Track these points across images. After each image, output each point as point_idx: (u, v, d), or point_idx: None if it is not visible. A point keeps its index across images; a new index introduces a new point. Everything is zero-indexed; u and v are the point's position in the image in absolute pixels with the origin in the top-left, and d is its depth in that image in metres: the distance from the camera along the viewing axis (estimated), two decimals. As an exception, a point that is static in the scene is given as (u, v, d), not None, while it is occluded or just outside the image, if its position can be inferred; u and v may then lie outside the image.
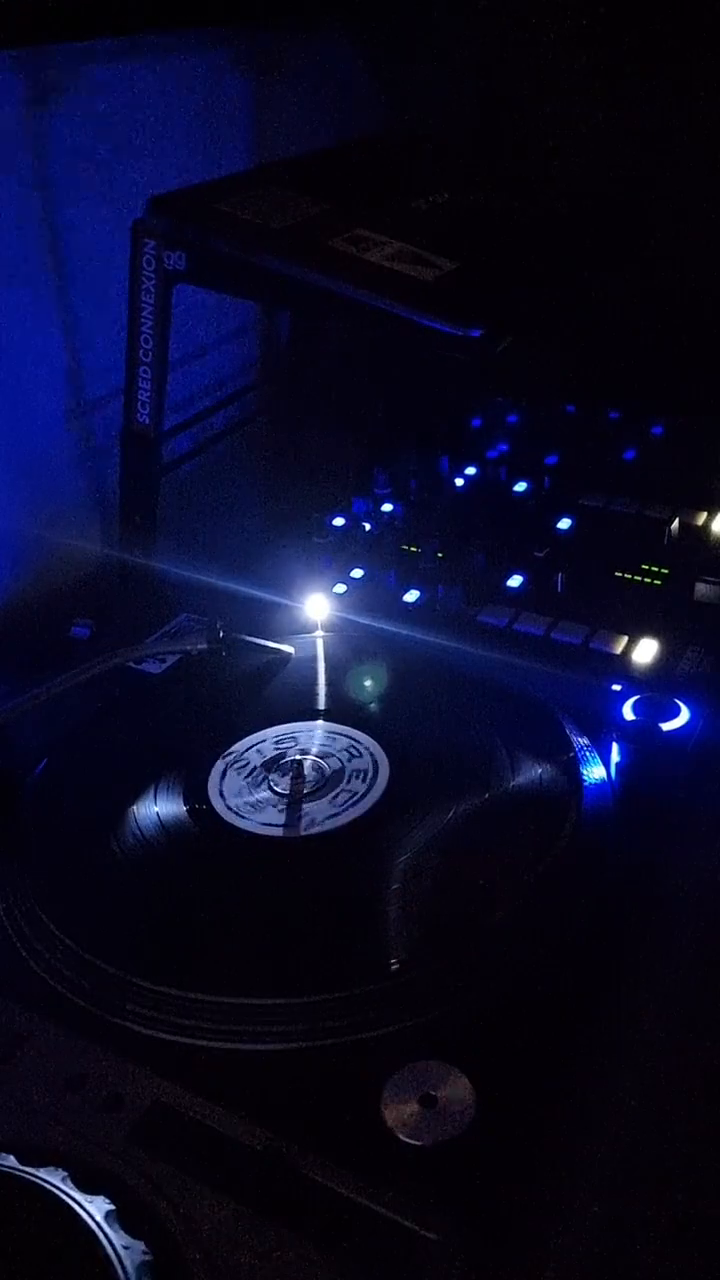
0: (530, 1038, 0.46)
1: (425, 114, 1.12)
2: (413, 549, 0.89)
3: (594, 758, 0.62)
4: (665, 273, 0.98)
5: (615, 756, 0.62)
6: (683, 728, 0.64)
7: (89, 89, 0.85)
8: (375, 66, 1.10)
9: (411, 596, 0.83)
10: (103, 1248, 0.38)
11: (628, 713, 0.65)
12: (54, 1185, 0.40)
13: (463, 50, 1.04)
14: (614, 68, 0.96)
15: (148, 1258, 0.38)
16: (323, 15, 1.06)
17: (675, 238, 0.99)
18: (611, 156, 0.99)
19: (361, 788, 0.61)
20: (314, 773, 0.63)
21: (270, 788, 0.62)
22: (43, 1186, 0.40)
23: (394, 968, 0.50)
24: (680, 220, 0.99)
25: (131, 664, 0.75)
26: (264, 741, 0.66)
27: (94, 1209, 0.39)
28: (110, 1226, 0.38)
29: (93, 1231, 0.38)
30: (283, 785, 0.62)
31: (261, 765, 0.64)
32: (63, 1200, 0.39)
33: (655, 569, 0.83)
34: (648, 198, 0.99)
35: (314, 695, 0.72)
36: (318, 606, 0.80)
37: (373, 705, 0.71)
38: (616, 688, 0.69)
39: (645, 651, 0.73)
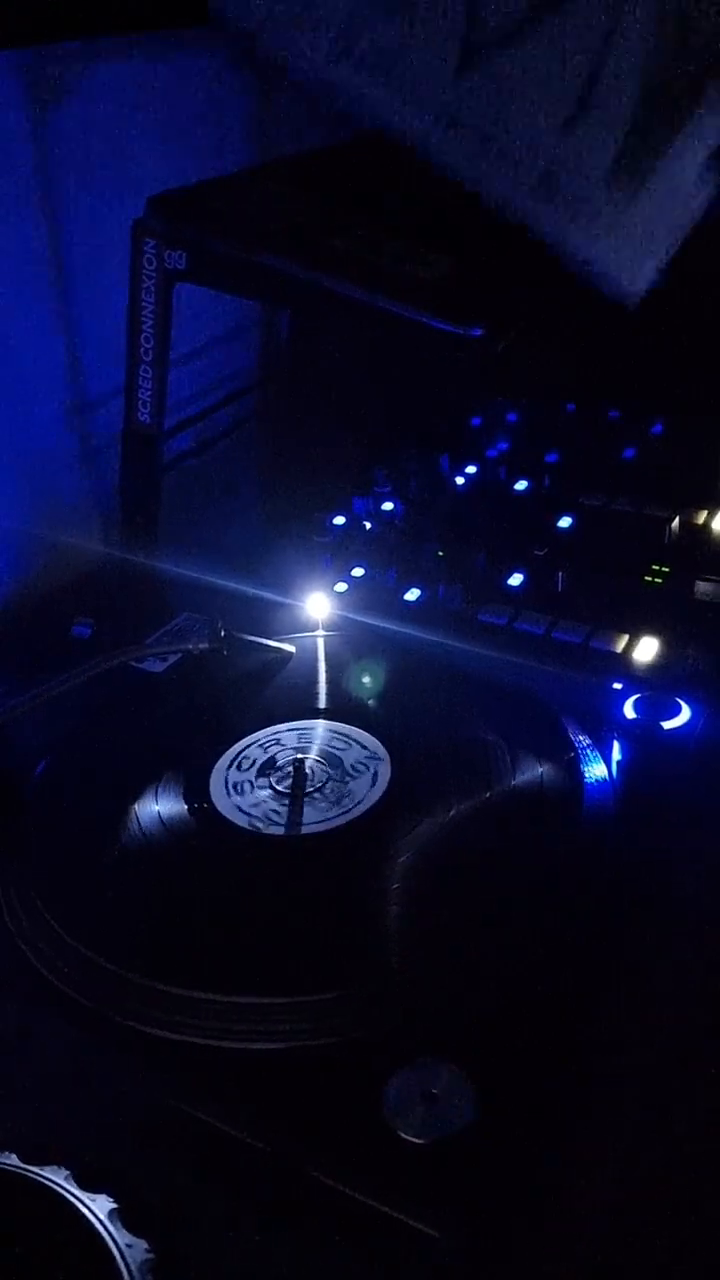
0: (530, 1038, 0.46)
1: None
2: (413, 548, 0.89)
3: (595, 756, 0.62)
4: (664, 271, 0.98)
5: (616, 755, 0.62)
6: (683, 726, 0.64)
7: (89, 89, 0.85)
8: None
9: (412, 595, 0.83)
10: (106, 1246, 0.38)
11: (628, 711, 0.65)
12: (57, 1184, 0.40)
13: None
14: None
15: (150, 1256, 0.38)
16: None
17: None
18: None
19: (362, 787, 0.61)
20: (315, 772, 0.63)
21: (271, 787, 0.62)
22: (45, 1185, 0.40)
23: (395, 966, 0.50)
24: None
25: (133, 663, 0.75)
26: (265, 740, 0.66)
27: (97, 1207, 0.39)
28: (113, 1225, 0.39)
29: (95, 1230, 0.38)
30: (284, 784, 0.62)
31: (262, 764, 0.64)
32: (65, 1199, 0.39)
33: (656, 567, 0.83)
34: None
35: (315, 694, 0.72)
36: (318, 605, 0.80)
37: (372, 702, 0.71)
38: (617, 686, 0.69)
39: (646, 650, 0.74)
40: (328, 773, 0.63)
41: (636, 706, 0.65)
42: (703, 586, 0.79)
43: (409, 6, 0.49)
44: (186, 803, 0.61)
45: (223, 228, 0.78)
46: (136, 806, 0.61)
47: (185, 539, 0.91)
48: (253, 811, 0.60)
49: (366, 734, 0.66)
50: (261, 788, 0.62)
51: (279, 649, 0.75)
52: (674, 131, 0.47)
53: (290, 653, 0.75)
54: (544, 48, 0.47)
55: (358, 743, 0.65)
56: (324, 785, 0.62)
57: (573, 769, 0.61)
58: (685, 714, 0.65)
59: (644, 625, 0.76)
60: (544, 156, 0.50)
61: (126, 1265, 0.37)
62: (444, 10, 0.49)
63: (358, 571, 0.87)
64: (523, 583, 0.83)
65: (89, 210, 0.87)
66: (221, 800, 0.61)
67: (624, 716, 0.65)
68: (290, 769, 0.63)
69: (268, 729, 0.67)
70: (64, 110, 0.83)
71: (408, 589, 0.83)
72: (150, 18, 0.86)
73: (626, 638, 0.75)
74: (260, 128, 1.04)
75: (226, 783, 0.63)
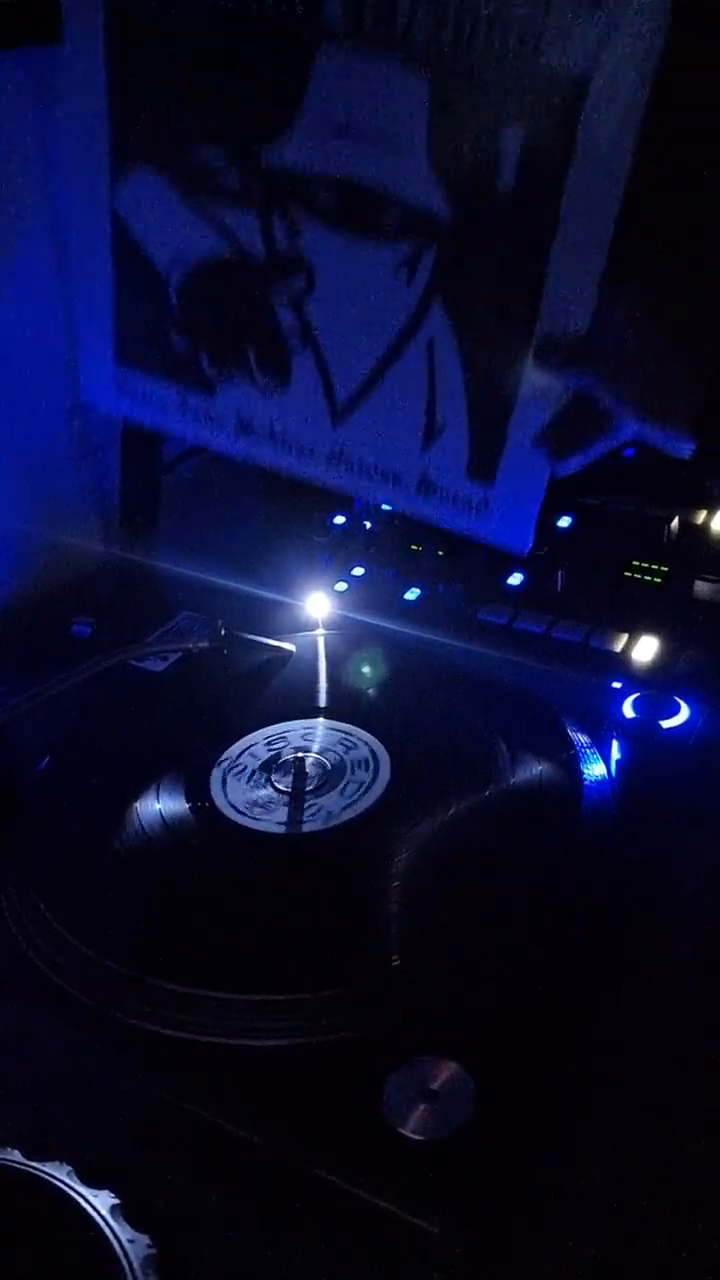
0: (530, 1037, 0.47)
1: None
2: (413, 547, 0.89)
3: (594, 756, 0.62)
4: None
5: (615, 754, 0.62)
6: (682, 725, 0.64)
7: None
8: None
9: (412, 594, 0.83)
10: (108, 1241, 0.38)
11: (628, 710, 0.65)
12: (59, 1179, 0.40)
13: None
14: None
15: (152, 1251, 0.38)
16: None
17: (677, 232, 0.99)
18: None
19: (362, 785, 0.61)
20: (315, 770, 0.63)
21: (271, 785, 0.62)
22: (48, 1181, 0.40)
23: (395, 965, 0.50)
24: (681, 215, 0.99)
25: (133, 662, 0.75)
26: (265, 739, 0.67)
27: (99, 1203, 0.39)
28: (115, 1220, 0.39)
29: (98, 1225, 0.38)
30: (284, 783, 0.62)
31: (263, 763, 0.64)
32: (68, 1194, 0.39)
33: (655, 567, 0.83)
34: (652, 194, 0.99)
35: (315, 693, 0.72)
36: (318, 605, 0.80)
37: (372, 691, 0.71)
38: (616, 685, 0.69)
39: (645, 649, 0.74)
40: (328, 771, 0.63)
41: (636, 706, 0.66)
42: (702, 586, 0.80)
43: (283, 389, 0.67)
44: (186, 801, 0.61)
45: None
46: (137, 805, 0.61)
47: (185, 538, 0.91)
48: (253, 810, 0.60)
49: (367, 733, 0.66)
50: (261, 786, 0.62)
51: (279, 648, 0.75)
52: (506, 426, 0.61)
53: (290, 652, 0.75)
54: (389, 395, 0.64)
55: (358, 741, 0.65)
56: (324, 784, 0.62)
57: (572, 768, 0.61)
58: (684, 713, 0.65)
59: (643, 625, 0.76)
60: (416, 469, 0.65)
61: (128, 1261, 0.37)
62: (309, 389, 0.65)
63: (358, 571, 0.87)
64: (522, 582, 0.83)
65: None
66: (221, 799, 0.61)
67: (623, 716, 0.65)
68: (290, 767, 0.63)
69: (268, 728, 0.67)
70: (66, 108, 0.83)
71: (408, 588, 0.83)
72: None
73: (626, 637, 0.75)
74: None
75: (226, 781, 0.63)
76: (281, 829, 0.59)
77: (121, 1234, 0.38)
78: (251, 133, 0.61)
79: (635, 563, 0.84)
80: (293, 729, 0.67)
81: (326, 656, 0.76)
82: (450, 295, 0.60)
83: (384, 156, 0.58)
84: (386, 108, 0.56)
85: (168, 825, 0.60)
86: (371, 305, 0.62)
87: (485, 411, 0.61)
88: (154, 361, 0.71)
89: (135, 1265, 0.37)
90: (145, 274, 0.69)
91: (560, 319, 0.56)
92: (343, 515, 0.94)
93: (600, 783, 0.60)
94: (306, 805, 0.60)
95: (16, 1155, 0.41)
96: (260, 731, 0.67)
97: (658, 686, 0.68)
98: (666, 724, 0.64)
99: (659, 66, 0.49)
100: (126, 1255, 0.37)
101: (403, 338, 0.62)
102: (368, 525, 0.93)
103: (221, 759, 0.65)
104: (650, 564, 0.83)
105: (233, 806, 0.61)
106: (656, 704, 0.65)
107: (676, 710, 0.65)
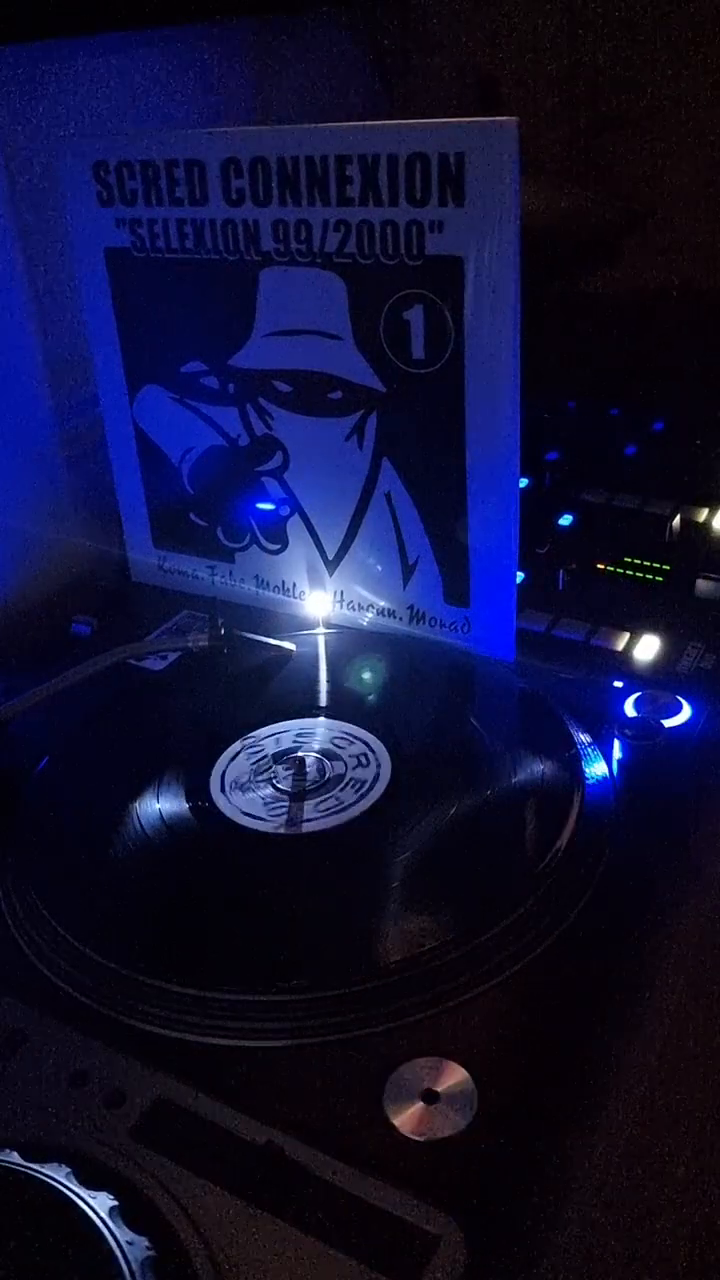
0: (530, 1036, 0.46)
1: (427, 106, 1.12)
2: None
3: (595, 755, 0.62)
4: (666, 267, 0.98)
5: (617, 754, 0.62)
6: (684, 724, 0.64)
7: (90, 83, 0.85)
8: (378, 59, 1.10)
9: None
10: (106, 1244, 0.38)
11: (629, 710, 0.65)
12: (57, 1181, 0.40)
13: (463, 42, 1.04)
14: (613, 57, 0.96)
15: (151, 1253, 0.38)
16: (324, 6, 1.05)
17: (677, 229, 0.99)
18: (613, 146, 0.99)
19: (363, 785, 0.61)
20: (315, 770, 0.63)
21: (271, 784, 0.62)
22: (46, 1182, 0.40)
23: (395, 964, 0.50)
24: (681, 214, 0.99)
25: (132, 661, 0.75)
26: (265, 738, 0.66)
27: (97, 1205, 0.39)
28: (114, 1222, 0.38)
29: (96, 1228, 0.38)
30: (284, 782, 0.62)
31: (263, 762, 0.64)
32: (66, 1196, 0.39)
33: (657, 565, 0.83)
34: (649, 190, 0.99)
35: (315, 692, 0.72)
36: (319, 603, 0.80)
37: (373, 698, 0.71)
38: (618, 684, 0.69)
39: (647, 648, 0.73)
40: (328, 771, 0.63)
41: (637, 705, 0.65)
42: (703, 584, 0.79)
43: (284, 550, 0.80)
44: (187, 801, 0.61)
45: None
46: (136, 805, 0.61)
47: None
48: (253, 809, 0.60)
49: (367, 732, 0.66)
50: (262, 786, 0.62)
51: (279, 647, 0.75)
52: (467, 556, 0.71)
53: (291, 651, 0.75)
54: (366, 543, 0.76)
55: (358, 741, 0.65)
56: (324, 783, 0.62)
57: (573, 767, 0.61)
58: (686, 712, 0.65)
59: (645, 623, 0.76)
60: (403, 603, 0.77)
61: (127, 1263, 0.37)
62: (305, 547, 0.78)
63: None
64: (523, 581, 0.83)
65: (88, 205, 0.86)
66: (221, 798, 0.61)
67: (625, 715, 0.65)
68: (291, 767, 0.63)
69: (268, 727, 0.67)
70: (63, 104, 0.83)
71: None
72: (152, 11, 0.86)
73: (627, 636, 0.75)
74: (261, 121, 1.04)
75: (226, 781, 0.63)
76: (282, 828, 0.59)
77: (120, 1236, 0.38)
78: (222, 346, 0.75)
79: (637, 561, 0.84)
80: (293, 728, 0.67)
81: (327, 656, 0.76)
82: (394, 452, 0.72)
83: (321, 345, 0.71)
84: (317, 307, 0.69)
85: (167, 825, 0.60)
86: (336, 469, 0.74)
87: (447, 546, 0.73)
88: (183, 541, 0.85)
89: (134, 1267, 0.37)
90: (164, 467, 0.83)
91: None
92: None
93: (602, 782, 0.60)
94: (306, 804, 0.60)
95: (14, 1156, 0.41)
96: (260, 731, 0.67)
97: (659, 685, 0.67)
98: (668, 723, 0.64)
99: (519, 241, 0.61)
100: (125, 1257, 0.37)
101: (365, 493, 0.75)
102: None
103: (221, 758, 0.65)
104: (652, 562, 0.83)
105: (232, 806, 0.60)
106: (658, 703, 0.65)
107: (678, 709, 0.65)
